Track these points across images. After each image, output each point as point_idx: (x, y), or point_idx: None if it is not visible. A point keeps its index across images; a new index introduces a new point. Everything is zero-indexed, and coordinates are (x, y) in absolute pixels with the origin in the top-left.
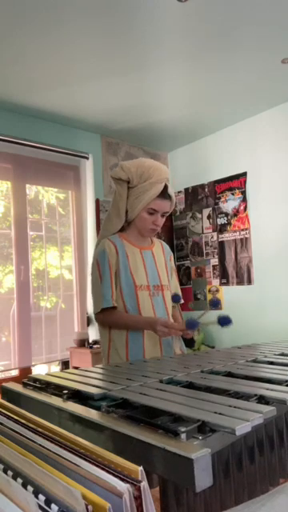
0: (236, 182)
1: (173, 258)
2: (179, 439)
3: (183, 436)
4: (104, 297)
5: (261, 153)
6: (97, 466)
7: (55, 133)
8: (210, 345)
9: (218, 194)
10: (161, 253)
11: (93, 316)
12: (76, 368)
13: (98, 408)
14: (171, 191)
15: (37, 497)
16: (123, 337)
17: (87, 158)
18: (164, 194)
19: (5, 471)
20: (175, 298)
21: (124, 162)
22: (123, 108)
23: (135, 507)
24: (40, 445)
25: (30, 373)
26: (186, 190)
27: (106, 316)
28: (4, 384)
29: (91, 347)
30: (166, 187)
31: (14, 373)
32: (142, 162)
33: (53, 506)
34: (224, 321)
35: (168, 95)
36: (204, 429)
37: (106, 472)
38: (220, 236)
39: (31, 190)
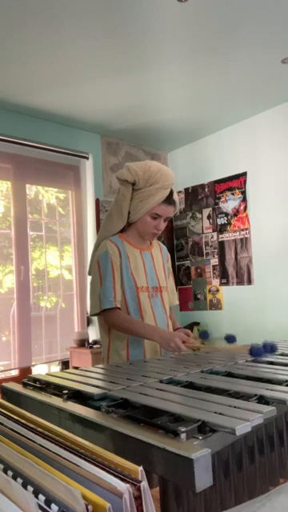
0: (236, 182)
1: (170, 260)
2: (179, 439)
3: (183, 436)
4: (106, 298)
5: (261, 153)
6: (97, 465)
7: (55, 133)
8: None
9: (218, 194)
10: (159, 254)
11: (90, 316)
12: (76, 368)
13: (98, 408)
14: (176, 197)
15: (37, 497)
16: (124, 339)
17: (87, 158)
18: (169, 199)
19: (5, 471)
20: (204, 335)
21: (131, 163)
22: (123, 108)
23: (135, 507)
24: (40, 445)
25: (30, 373)
26: (186, 189)
27: (107, 317)
28: (4, 384)
29: (91, 347)
30: (171, 193)
31: (14, 373)
32: (149, 166)
33: (53, 506)
34: (231, 339)
35: (168, 95)
36: (204, 429)
37: (106, 472)
38: (220, 236)
39: (31, 189)
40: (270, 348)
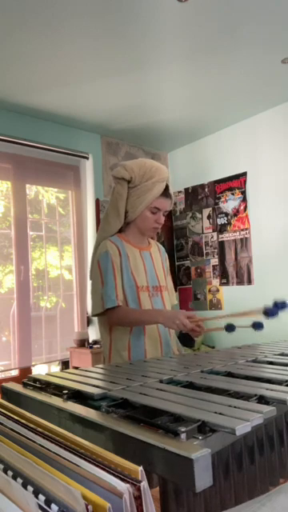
0: (236, 182)
1: (168, 260)
2: (179, 439)
3: (183, 436)
4: (109, 297)
5: (261, 153)
6: (97, 465)
7: (55, 133)
8: (210, 345)
9: (218, 194)
10: (158, 254)
11: (91, 317)
12: (76, 368)
13: (97, 408)
14: (171, 190)
15: (37, 497)
16: (125, 339)
17: (87, 158)
18: (166, 192)
19: (5, 471)
20: (257, 325)
21: (125, 161)
22: (123, 108)
23: (135, 507)
24: (40, 445)
25: (30, 373)
26: (186, 189)
27: (110, 316)
28: (4, 384)
29: (91, 347)
30: (167, 186)
31: (14, 373)
32: (143, 162)
33: (53, 506)
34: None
35: (168, 95)
36: (204, 429)
37: (106, 472)
38: (220, 236)
39: (31, 189)
40: (281, 304)
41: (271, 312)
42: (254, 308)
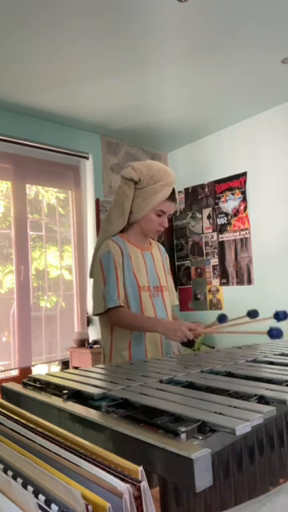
0: (236, 182)
1: (168, 260)
2: (179, 439)
3: (183, 436)
4: (111, 297)
5: (261, 153)
6: (97, 465)
7: (55, 133)
8: (210, 345)
9: (218, 194)
10: (158, 254)
11: (92, 316)
12: (76, 368)
13: (98, 408)
14: (176, 194)
15: (37, 497)
16: (126, 339)
17: (87, 158)
18: (172, 196)
19: (5, 471)
20: (222, 319)
21: (133, 162)
22: (123, 108)
23: (135, 507)
24: (40, 445)
25: (30, 373)
26: (186, 189)
27: (111, 316)
28: (4, 384)
29: (91, 347)
30: (173, 190)
31: (14, 373)
32: (152, 165)
33: (53, 506)
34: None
35: (168, 95)
36: (204, 429)
37: (106, 472)
38: (220, 236)
39: (31, 189)
40: (283, 315)
41: (276, 333)
42: (259, 329)
